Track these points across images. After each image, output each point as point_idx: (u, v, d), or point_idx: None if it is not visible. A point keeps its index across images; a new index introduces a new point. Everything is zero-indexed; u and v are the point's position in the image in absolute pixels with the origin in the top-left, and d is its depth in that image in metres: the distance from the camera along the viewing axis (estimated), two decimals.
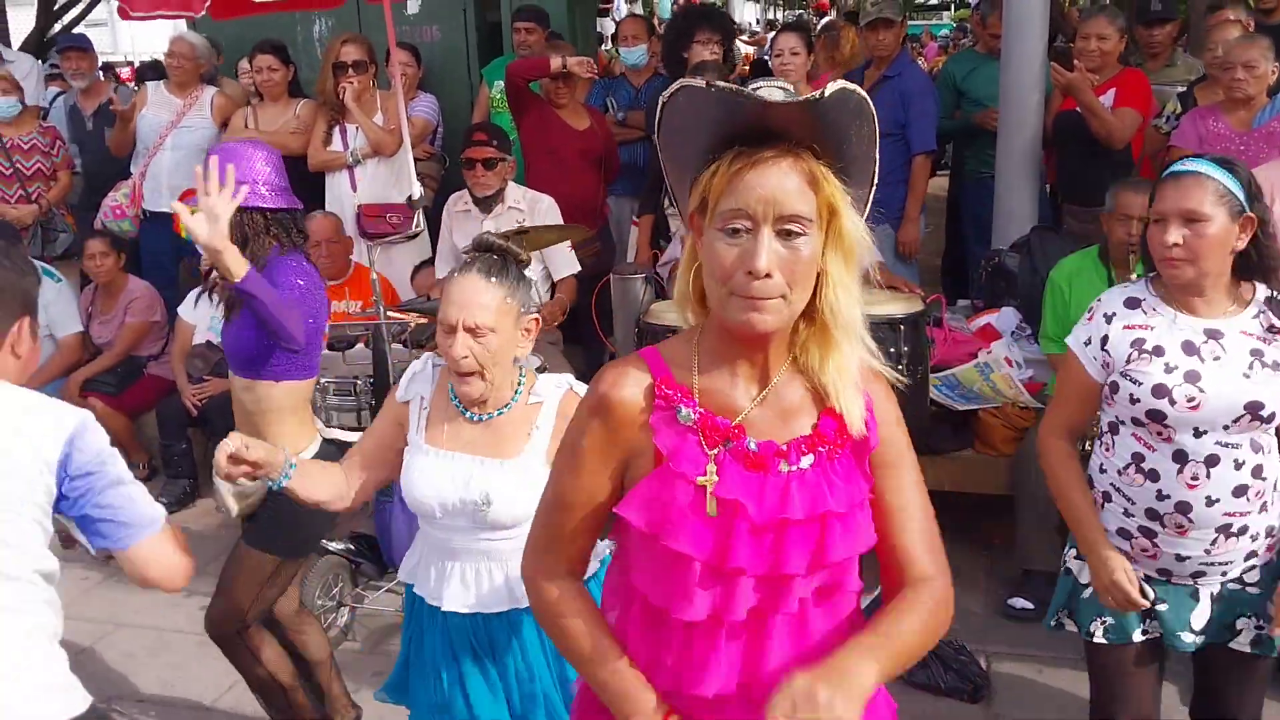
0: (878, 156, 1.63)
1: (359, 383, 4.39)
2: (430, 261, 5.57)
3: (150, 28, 6.69)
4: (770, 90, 1.56)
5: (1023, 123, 4.80)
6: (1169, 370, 2.53)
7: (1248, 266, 2.56)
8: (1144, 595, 2.62)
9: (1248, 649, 2.67)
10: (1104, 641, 2.72)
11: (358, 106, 5.71)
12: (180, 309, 5.91)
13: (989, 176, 5.69)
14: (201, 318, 5.83)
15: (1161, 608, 2.66)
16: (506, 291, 2.46)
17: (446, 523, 2.53)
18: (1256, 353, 2.52)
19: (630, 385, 1.73)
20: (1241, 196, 2.50)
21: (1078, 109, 5.11)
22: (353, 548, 4.35)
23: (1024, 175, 5.06)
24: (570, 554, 1.83)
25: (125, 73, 13.48)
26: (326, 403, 4.32)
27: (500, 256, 2.51)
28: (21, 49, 9.28)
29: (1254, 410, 2.49)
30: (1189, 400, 2.49)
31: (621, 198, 6.25)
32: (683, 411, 1.69)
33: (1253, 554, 2.62)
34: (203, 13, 3.96)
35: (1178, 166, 2.58)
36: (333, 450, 3.35)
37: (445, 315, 2.45)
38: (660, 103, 1.63)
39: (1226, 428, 2.52)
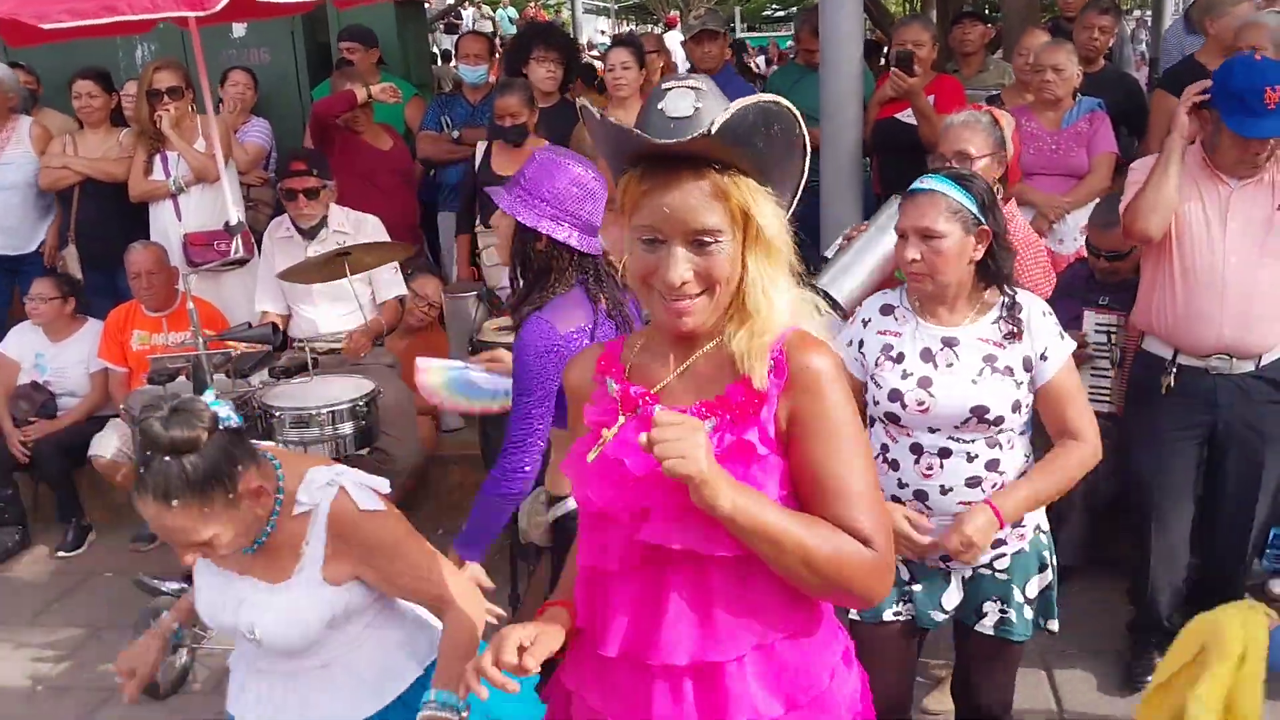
0: (804, 140, 1.69)
1: None
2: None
3: None
4: (677, 94, 1.64)
5: (843, 131, 4.89)
6: (905, 376, 2.70)
7: (987, 273, 2.70)
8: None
9: (991, 632, 2.82)
10: (859, 619, 2.82)
11: (177, 133, 5.55)
12: (2, 345, 5.68)
13: (814, 184, 5.81)
14: (26, 355, 5.63)
15: (916, 588, 2.82)
16: (197, 500, 2.06)
17: (237, 642, 2.42)
18: (989, 359, 2.68)
19: (580, 366, 1.93)
20: (975, 210, 2.63)
21: (895, 116, 5.26)
22: (188, 587, 4.22)
23: (847, 182, 5.15)
24: None
25: None
26: None
27: (171, 458, 2.05)
28: None
29: (980, 414, 2.64)
30: (919, 404, 2.67)
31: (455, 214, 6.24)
32: (610, 383, 1.84)
33: (1000, 541, 2.74)
34: None
35: (916, 184, 2.70)
36: None
37: (165, 539, 2.17)
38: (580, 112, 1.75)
39: (957, 428, 2.67)
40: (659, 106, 1.65)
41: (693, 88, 1.66)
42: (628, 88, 5.58)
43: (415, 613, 2.47)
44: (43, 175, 5.98)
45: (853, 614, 2.81)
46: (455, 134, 6.26)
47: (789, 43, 22.98)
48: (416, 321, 5.46)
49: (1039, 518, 2.83)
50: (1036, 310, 2.72)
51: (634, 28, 23.31)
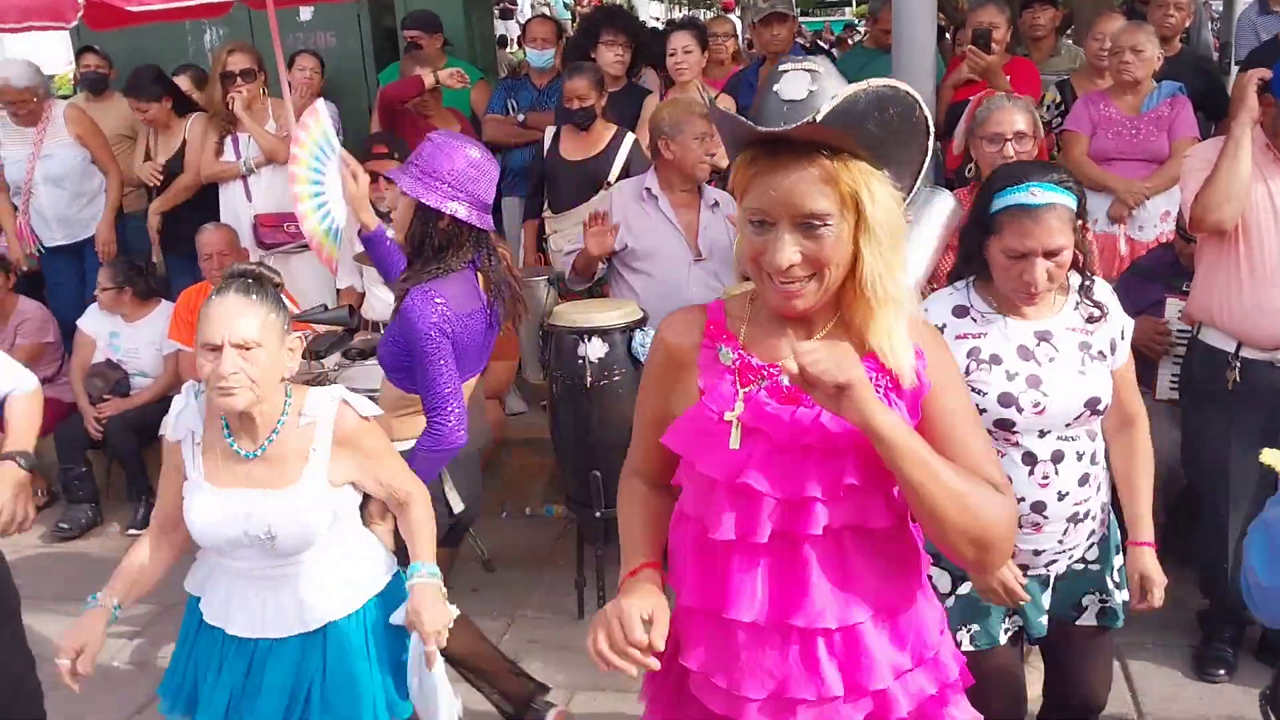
0: (927, 122, 1.67)
1: None
2: None
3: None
4: (793, 77, 1.67)
5: None
6: (1011, 378, 2.51)
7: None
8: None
9: (1094, 623, 2.75)
10: (973, 648, 2.66)
11: (249, 115, 5.60)
12: (80, 321, 5.76)
13: None
14: (101, 332, 5.70)
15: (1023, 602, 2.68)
16: (269, 308, 2.43)
17: (235, 554, 2.54)
18: (1084, 346, 2.57)
19: (683, 328, 1.90)
20: (1076, 208, 2.50)
21: (970, 99, 5.19)
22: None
23: None
24: (645, 470, 2.04)
25: None
26: None
27: (256, 280, 2.47)
28: None
29: (1093, 406, 2.54)
30: (1035, 405, 2.51)
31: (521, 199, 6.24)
32: (724, 351, 1.83)
33: (1092, 533, 2.70)
34: (75, 23, 3.83)
35: (1026, 199, 2.45)
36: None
37: (207, 335, 2.39)
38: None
39: (1068, 425, 2.55)
40: (774, 89, 1.67)
41: (809, 70, 1.67)
42: (689, 72, 5.54)
43: (372, 537, 2.76)
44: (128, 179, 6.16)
45: (965, 645, 2.65)
46: (520, 117, 6.27)
47: (842, 28, 22.92)
48: None
49: (1107, 499, 2.75)
50: (1107, 289, 2.65)
51: (688, 12, 23.20)
